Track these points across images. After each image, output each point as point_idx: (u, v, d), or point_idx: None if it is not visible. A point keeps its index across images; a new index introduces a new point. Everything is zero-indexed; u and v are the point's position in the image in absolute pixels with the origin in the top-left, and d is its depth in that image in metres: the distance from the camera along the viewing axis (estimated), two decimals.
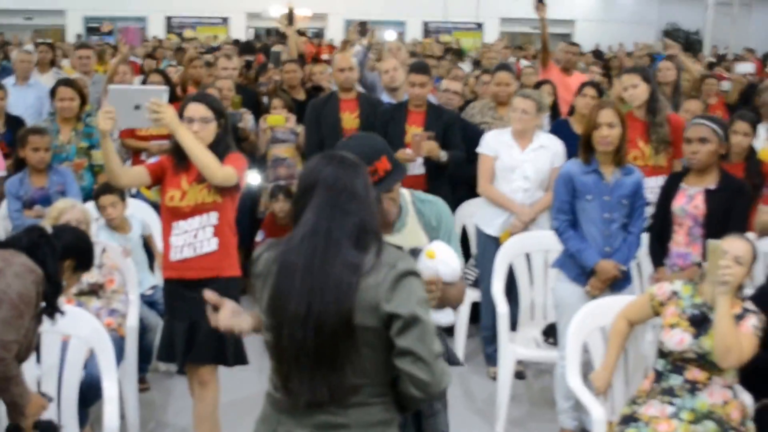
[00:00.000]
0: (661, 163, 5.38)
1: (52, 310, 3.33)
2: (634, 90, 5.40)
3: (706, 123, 4.42)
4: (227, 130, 4.19)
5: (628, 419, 3.71)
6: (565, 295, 4.64)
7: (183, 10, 24.54)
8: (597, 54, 16.91)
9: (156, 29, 24.27)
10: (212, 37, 20.38)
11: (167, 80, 7.22)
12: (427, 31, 26.00)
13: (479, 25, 26.85)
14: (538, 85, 7.31)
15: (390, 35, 11.54)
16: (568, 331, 4.14)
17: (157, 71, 7.61)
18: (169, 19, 24.94)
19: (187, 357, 4.16)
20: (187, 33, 23.07)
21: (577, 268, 4.58)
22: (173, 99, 6.13)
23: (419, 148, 5.47)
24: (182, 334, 4.13)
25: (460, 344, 5.81)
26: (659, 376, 3.78)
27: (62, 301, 3.46)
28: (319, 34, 24.50)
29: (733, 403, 3.67)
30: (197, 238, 4.09)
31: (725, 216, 4.32)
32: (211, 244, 4.11)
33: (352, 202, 2.39)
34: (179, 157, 4.05)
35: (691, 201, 4.46)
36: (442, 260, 2.84)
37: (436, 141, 5.61)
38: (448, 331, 5.50)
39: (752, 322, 3.63)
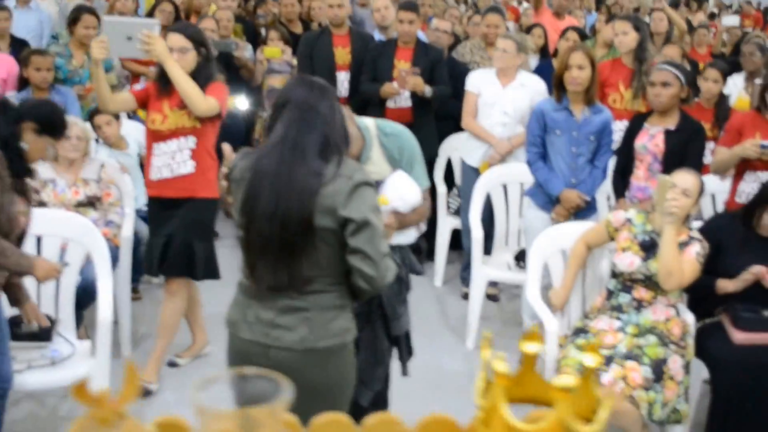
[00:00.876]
0: (638, 108, 5.71)
1: (19, 173, 3.55)
2: (624, 37, 5.78)
3: (668, 68, 4.79)
4: (209, 60, 4.48)
5: (579, 331, 4.15)
6: (533, 221, 5.06)
7: None
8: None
9: None
10: None
11: (175, 8, 7.58)
12: None
13: None
14: (530, 28, 7.70)
15: None
16: (529, 252, 4.57)
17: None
18: None
19: (160, 269, 4.58)
20: None
21: (545, 197, 5.01)
22: None
23: (404, 82, 5.88)
24: (158, 248, 4.51)
25: (440, 268, 6.30)
26: (610, 294, 4.22)
27: (33, 166, 3.74)
28: None
29: (674, 321, 4.10)
30: (175, 159, 4.40)
31: (682, 154, 4.72)
32: (187, 166, 4.42)
33: (318, 119, 2.76)
34: (163, 83, 4.38)
35: (651, 139, 4.86)
36: (399, 196, 3.26)
37: (422, 77, 5.96)
38: (430, 255, 6.00)
39: (696, 249, 4.04)
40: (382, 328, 3.50)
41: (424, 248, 3.85)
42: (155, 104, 4.45)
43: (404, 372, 3.72)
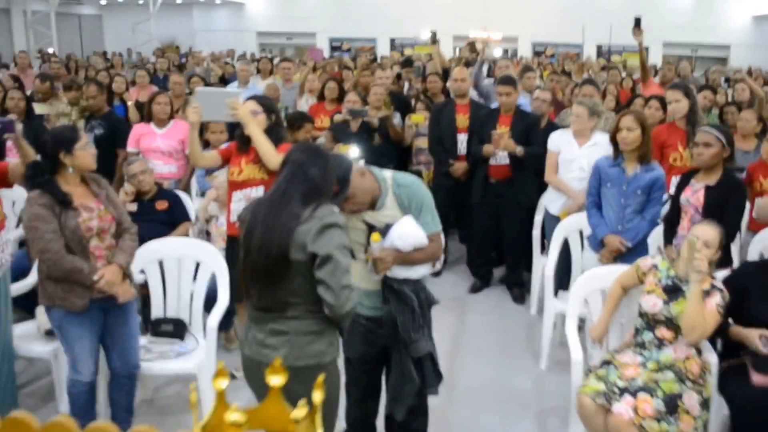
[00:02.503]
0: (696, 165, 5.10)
1: (64, 201, 3.43)
2: (677, 104, 5.21)
3: (710, 131, 4.22)
4: (279, 124, 4.39)
5: (605, 363, 3.66)
6: (588, 262, 4.64)
7: (404, 33, 24.96)
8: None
9: (383, 48, 24.88)
10: (427, 55, 20.65)
11: (339, 86, 7.61)
12: (601, 53, 25.05)
13: (645, 48, 25.51)
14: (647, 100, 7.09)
15: (497, 52, 11.40)
16: (571, 290, 4.11)
17: (334, 79, 7.91)
18: (393, 40, 25.50)
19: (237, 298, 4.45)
20: (407, 51, 23.46)
21: (597, 241, 4.57)
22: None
23: (498, 144, 5.59)
24: (237, 278, 4.40)
25: (534, 299, 5.87)
26: (637, 331, 3.70)
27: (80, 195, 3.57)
28: (509, 53, 24.24)
29: (694, 359, 3.53)
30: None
31: (721, 208, 4.13)
32: None
33: (307, 174, 2.73)
34: (243, 143, 4.34)
35: (694, 194, 4.28)
36: (399, 236, 3.11)
37: (518, 139, 5.71)
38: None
39: (716, 300, 3.47)
40: (406, 351, 3.26)
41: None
42: (235, 160, 4.42)
43: (428, 392, 3.36)
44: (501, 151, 5.73)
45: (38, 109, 6.84)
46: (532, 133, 5.82)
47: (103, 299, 3.54)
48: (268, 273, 2.70)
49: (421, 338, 3.24)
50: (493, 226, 6.15)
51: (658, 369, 3.51)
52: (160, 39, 23.00)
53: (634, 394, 3.40)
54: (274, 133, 4.27)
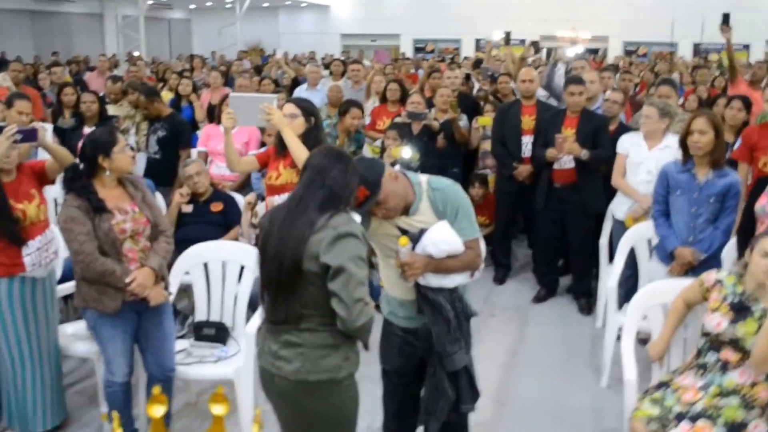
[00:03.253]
0: None
1: (98, 205, 3.40)
2: None
3: None
4: (318, 128, 4.26)
5: (661, 385, 3.37)
6: (655, 274, 4.33)
7: (488, 34, 24.54)
8: None
9: (468, 49, 24.56)
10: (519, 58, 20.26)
11: (403, 88, 7.46)
12: (697, 51, 24.09)
13: (746, 46, 24.41)
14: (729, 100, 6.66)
15: (571, 52, 10.96)
16: (631, 303, 3.81)
17: (396, 81, 7.77)
18: (478, 41, 25.13)
19: None
20: (496, 51, 23.05)
21: (666, 251, 4.24)
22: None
23: (561, 147, 5.33)
24: None
25: (600, 311, 5.52)
26: (699, 352, 3.39)
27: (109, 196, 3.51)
28: (600, 53, 23.53)
29: (762, 385, 3.18)
30: None
31: None
32: None
33: (326, 180, 2.59)
34: (280, 147, 4.23)
35: None
36: (432, 241, 2.94)
37: (585, 142, 5.43)
38: None
39: None
40: (440, 365, 3.09)
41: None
42: (273, 164, 4.36)
43: (463, 408, 3.16)
44: (565, 155, 5.44)
45: (110, 110, 6.95)
46: (600, 135, 5.52)
47: (136, 302, 3.52)
48: (281, 283, 2.58)
49: (458, 351, 3.06)
50: (558, 233, 5.87)
51: (720, 394, 3.19)
52: (246, 42, 23.38)
53: (692, 420, 3.11)
54: (312, 137, 4.15)
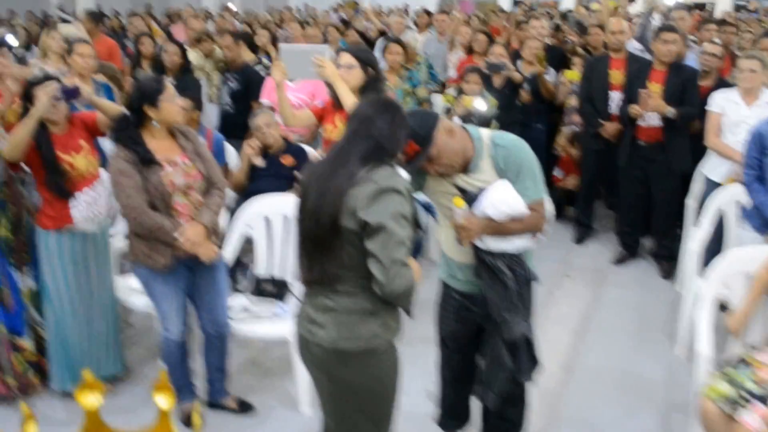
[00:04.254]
0: None
1: (145, 157, 3.28)
2: None
3: None
4: (377, 78, 4.04)
5: (740, 361, 3.09)
6: (742, 240, 3.98)
7: None
8: None
9: (569, 2, 23.50)
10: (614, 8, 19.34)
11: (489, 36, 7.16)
12: None
13: None
14: None
15: (669, 0, 10.18)
16: (710, 269, 3.50)
17: (483, 31, 7.47)
18: None
19: None
20: (594, 5, 22.01)
21: (761, 219, 3.88)
22: None
23: (645, 104, 4.99)
24: None
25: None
26: None
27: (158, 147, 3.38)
28: (704, 7, 22.15)
29: None
30: None
31: None
32: None
33: (371, 130, 2.39)
34: (337, 100, 4.05)
35: None
36: (491, 203, 2.71)
37: (672, 97, 5.05)
38: None
39: None
40: (498, 333, 2.89)
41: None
42: (329, 117, 4.20)
43: (521, 379, 2.97)
44: (650, 111, 5.07)
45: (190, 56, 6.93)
46: (688, 90, 5.10)
47: (188, 258, 3.40)
48: (317, 240, 2.40)
49: (516, 319, 2.85)
50: (642, 193, 5.51)
51: None
52: None
53: (766, 401, 2.83)
54: (370, 88, 3.96)
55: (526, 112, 6.48)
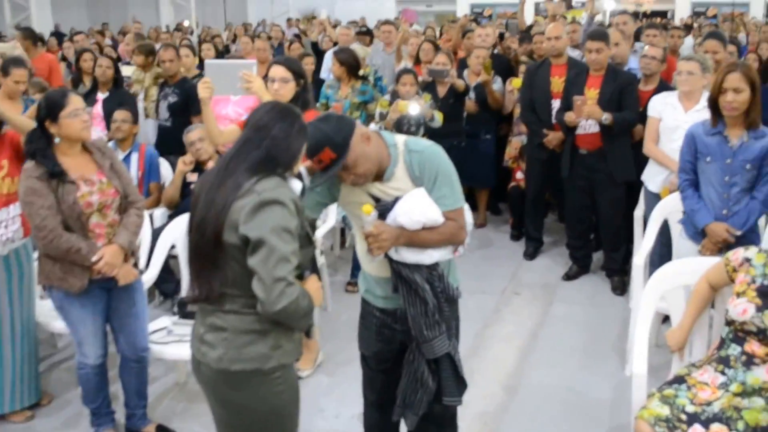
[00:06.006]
0: None
1: (55, 173, 3.12)
2: None
3: None
4: (306, 90, 3.89)
5: (676, 380, 2.93)
6: (683, 252, 3.81)
7: None
8: None
9: (528, 14, 23.61)
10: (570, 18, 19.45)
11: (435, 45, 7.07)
12: None
13: None
14: None
15: (609, 4, 10.17)
16: (647, 284, 3.35)
17: (430, 41, 7.38)
18: (537, 4, 24.16)
19: None
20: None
21: (697, 228, 3.73)
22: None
23: (579, 111, 4.87)
24: None
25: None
26: (722, 343, 2.94)
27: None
28: (665, 15, 22.41)
29: None
30: None
31: None
32: None
33: (265, 140, 2.27)
34: None
35: None
36: (405, 212, 2.55)
37: (610, 103, 4.94)
38: None
39: None
40: (419, 351, 2.74)
41: None
42: None
43: (447, 401, 2.79)
44: (585, 118, 4.95)
45: (124, 70, 6.80)
46: (626, 95, 4.99)
47: (104, 280, 3.29)
48: (203, 256, 2.26)
49: (437, 336, 2.68)
50: (588, 204, 5.38)
51: (743, 393, 2.75)
52: (301, 10, 23.01)
53: (706, 424, 2.68)
54: (300, 99, 3.80)
55: (474, 122, 6.37)
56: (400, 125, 5.27)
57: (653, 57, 5.20)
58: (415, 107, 5.23)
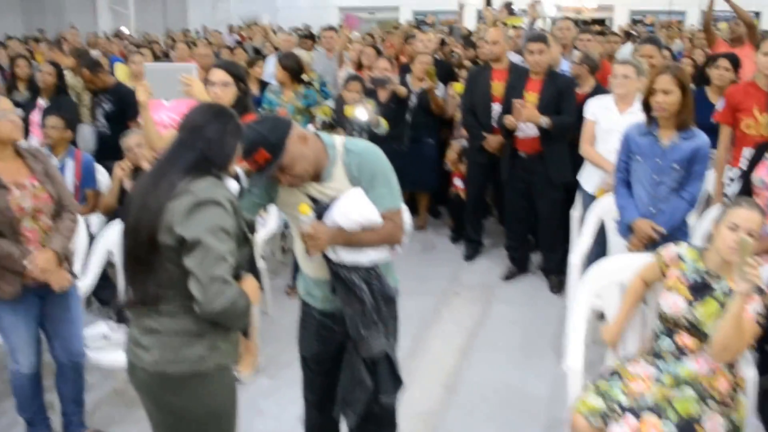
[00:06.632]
0: None
1: None
2: (766, 59, 4.32)
3: None
4: (246, 94, 3.89)
5: (612, 374, 2.99)
6: (616, 249, 3.95)
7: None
8: None
9: (470, 21, 23.88)
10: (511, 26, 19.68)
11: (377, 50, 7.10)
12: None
13: (757, 14, 23.57)
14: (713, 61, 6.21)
15: (550, 9, 10.38)
16: (580, 284, 3.43)
17: (372, 46, 7.42)
18: (479, 11, 24.43)
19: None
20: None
21: (625, 224, 3.83)
22: None
23: (519, 114, 4.93)
24: None
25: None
26: (655, 337, 3.01)
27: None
28: (604, 23, 22.90)
29: (722, 375, 2.81)
30: None
31: None
32: None
33: (199, 139, 2.26)
34: None
35: None
36: (343, 212, 2.56)
37: (548, 106, 5.01)
38: None
39: (755, 306, 2.73)
40: (356, 351, 2.74)
41: None
42: None
43: (383, 399, 2.80)
44: (524, 122, 5.03)
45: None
46: (564, 99, 5.07)
47: (38, 286, 3.22)
48: (137, 258, 2.24)
49: (374, 336, 2.68)
50: (527, 206, 5.45)
51: (674, 385, 2.83)
52: (242, 17, 22.85)
53: (638, 414, 2.74)
54: (241, 103, 3.78)
55: (417, 127, 6.40)
56: (345, 129, 5.29)
57: (582, 62, 5.34)
58: (362, 113, 5.27)
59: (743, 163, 4.29)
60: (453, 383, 4.11)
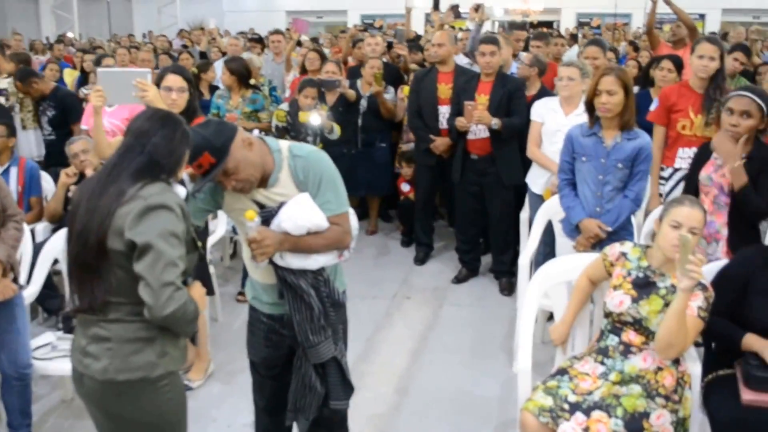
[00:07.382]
0: (711, 135, 4.32)
1: None
2: (711, 62, 4.31)
3: (749, 95, 3.51)
4: (195, 97, 3.91)
5: (558, 373, 3.02)
6: (563, 250, 3.98)
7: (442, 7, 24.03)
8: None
9: (418, 24, 24.03)
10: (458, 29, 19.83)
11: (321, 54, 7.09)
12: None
13: (701, 16, 24.14)
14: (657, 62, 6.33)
15: (499, 12, 10.44)
16: (529, 284, 3.46)
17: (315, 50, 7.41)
18: (427, 15, 24.60)
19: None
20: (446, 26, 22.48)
21: (572, 225, 3.88)
22: None
23: (470, 116, 4.96)
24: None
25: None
26: (601, 335, 3.06)
27: None
28: (552, 25, 23.20)
29: (668, 371, 2.86)
30: None
31: (754, 185, 3.46)
32: None
33: (146, 145, 2.25)
34: None
35: (718, 170, 3.60)
36: (289, 217, 2.55)
37: (499, 108, 5.05)
38: None
39: (698, 302, 2.77)
40: (306, 357, 2.73)
41: None
42: None
43: (334, 405, 2.79)
44: (475, 123, 5.06)
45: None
46: (514, 100, 5.13)
47: None
48: (85, 265, 2.20)
49: (323, 341, 2.68)
50: (478, 208, 5.49)
51: (621, 381, 2.87)
52: (189, 21, 22.61)
53: (587, 412, 2.77)
54: (191, 107, 3.80)
55: (369, 131, 6.40)
56: (298, 134, 5.29)
57: (529, 64, 5.41)
58: (316, 118, 5.26)
59: (678, 163, 4.42)
60: (405, 386, 4.11)
